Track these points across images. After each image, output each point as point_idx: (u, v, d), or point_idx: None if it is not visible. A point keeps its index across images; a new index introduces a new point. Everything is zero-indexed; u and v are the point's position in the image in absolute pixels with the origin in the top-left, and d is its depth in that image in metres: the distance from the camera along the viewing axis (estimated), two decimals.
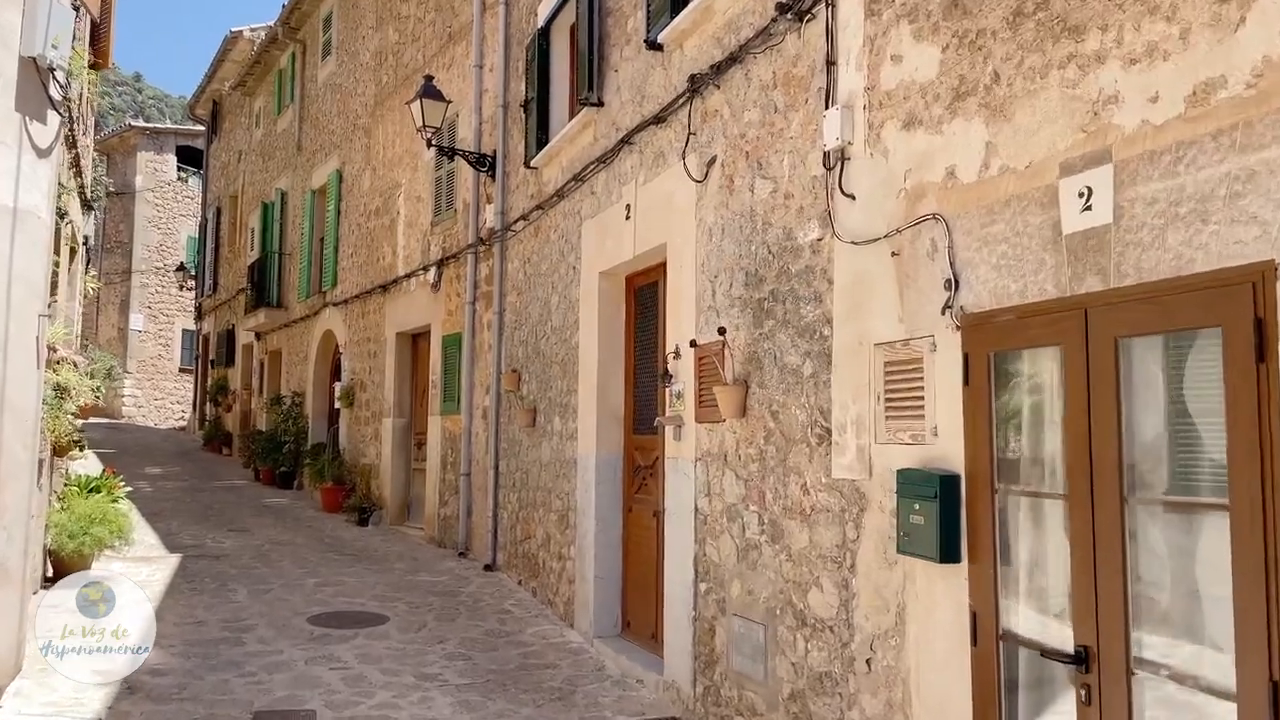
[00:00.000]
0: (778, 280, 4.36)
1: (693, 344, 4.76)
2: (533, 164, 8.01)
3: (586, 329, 6.84)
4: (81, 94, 7.68)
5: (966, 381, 3.15)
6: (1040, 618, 2.97)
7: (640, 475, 6.40)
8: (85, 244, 9.96)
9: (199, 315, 24.23)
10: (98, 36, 7.69)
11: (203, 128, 25.00)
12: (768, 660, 4.30)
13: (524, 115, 8.36)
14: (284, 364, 16.66)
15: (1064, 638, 2.81)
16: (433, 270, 10.56)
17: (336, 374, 14.19)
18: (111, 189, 26.13)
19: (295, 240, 16.32)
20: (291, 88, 16.98)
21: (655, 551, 6.05)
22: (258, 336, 18.09)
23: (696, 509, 5.07)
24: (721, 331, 4.59)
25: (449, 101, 9.21)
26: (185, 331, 26.86)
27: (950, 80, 3.32)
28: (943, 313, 3.27)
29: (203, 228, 24.13)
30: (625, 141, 6.15)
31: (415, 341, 11.64)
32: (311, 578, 8.29)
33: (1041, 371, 2.98)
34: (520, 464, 8.20)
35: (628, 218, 6.12)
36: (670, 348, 5.44)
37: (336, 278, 14.07)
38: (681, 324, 5.32)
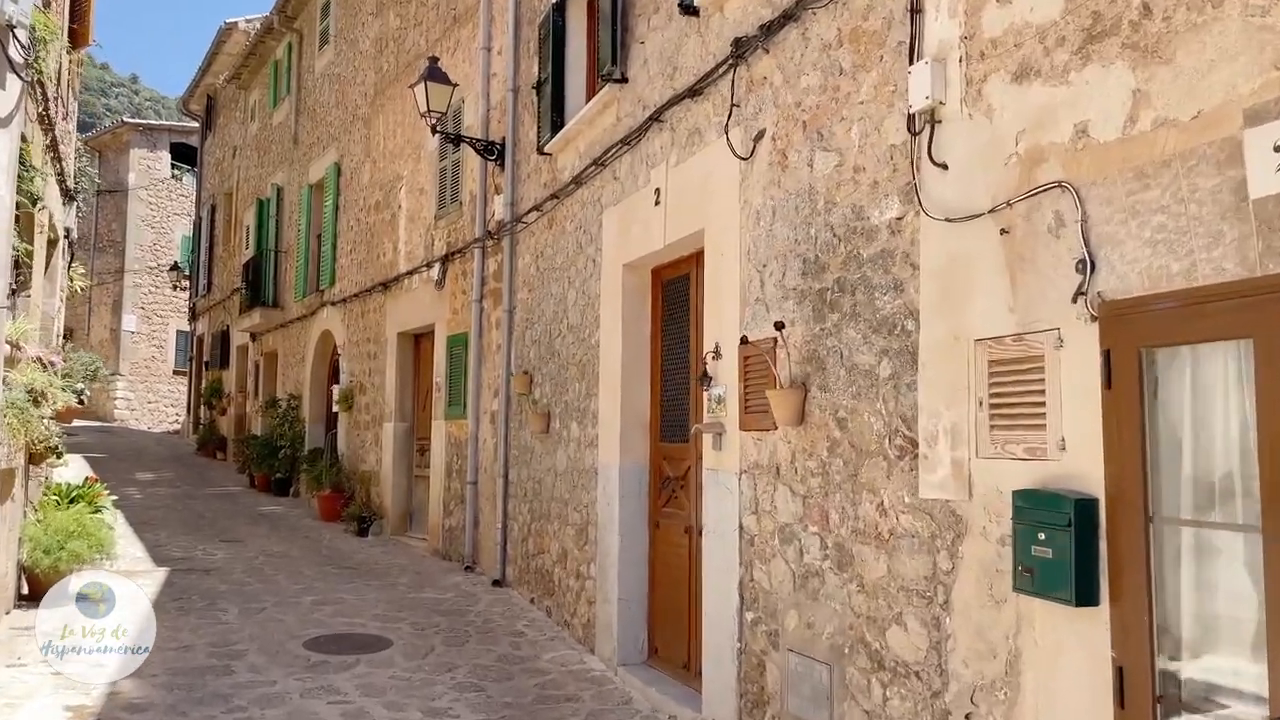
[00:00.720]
0: (845, 267, 3.79)
1: (744, 340, 4.18)
2: (546, 150, 7.44)
3: (608, 327, 6.26)
4: (60, 73, 7.10)
5: (1108, 384, 2.58)
6: (1216, 679, 2.39)
7: (669, 487, 5.82)
8: (67, 237, 9.36)
9: (193, 316, 23.63)
10: (77, 9, 7.12)
11: (197, 124, 24.40)
12: (834, 705, 3.72)
13: (536, 98, 7.79)
14: (280, 366, 16.07)
15: (1254, 706, 2.24)
16: (436, 267, 9.99)
17: (335, 376, 13.60)
18: (102, 186, 25.58)
19: (292, 237, 15.74)
20: (288, 79, 16.40)
21: (688, 572, 5.48)
22: (253, 337, 17.49)
23: (741, 528, 4.49)
24: (779, 326, 4.00)
25: (455, 85, 8.63)
26: (179, 333, 26.26)
27: (1080, 19, 2.75)
28: (1074, 300, 2.69)
29: (197, 226, 23.54)
30: (654, 119, 5.58)
31: (418, 342, 11.06)
32: (308, 594, 7.70)
33: (1216, 370, 2.40)
34: (532, 473, 7.62)
35: (657, 203, 5.55)
36: (709, 346, 4.86)
37: (334, 276, 13.48)
38: (723, 320, 4.74)
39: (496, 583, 8.15)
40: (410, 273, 10.77)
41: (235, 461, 17.03)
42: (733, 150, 4.61)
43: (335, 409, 13.13)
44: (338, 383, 13.18)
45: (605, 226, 6.38)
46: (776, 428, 4.19)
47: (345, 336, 12.97)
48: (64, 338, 11.96)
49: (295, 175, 15.76)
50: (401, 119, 11.36)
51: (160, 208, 26.69)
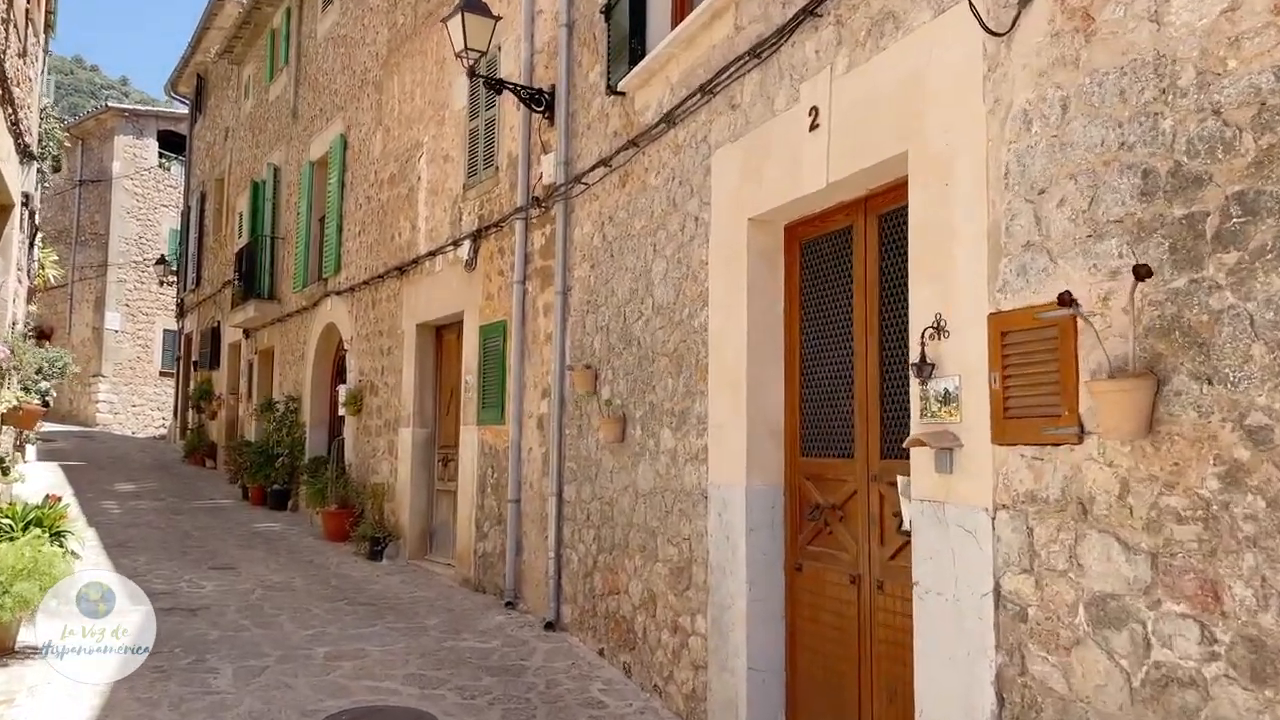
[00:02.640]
0: (1253, 174, 2.27)
1: (1065, 298, 2.64)
2: (619, 88, 5.92)
3: (723, 304, 4.74)
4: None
5: None
6: None
7: (818, 518, 4.29)
8: (27, 204, 7.78)
9: (181, 312, 21.96)
10: None
11: (186, 110, 22.76)
12: None
13: (605, 27, 6.26)
14: (276, 364, 14.47)
15: None
16: (466, 245, 8.45)
17: (340, 375, 12.02)
18: (84, 176, 24.00)
19: (290, 222, 14.16)
20: (285, 48, 14.83)
21: (856, 637, 3.98)
22: (246, 334, 15.89)
23: (999, 593, 2.97)
24: (1142, 274, 2.46)
25: (498, 18, 7.11)
26: (166, 332, 24.60)
27: None
28: None
29: (185, 216, 21.90)
30: (808, 12, 4.06)
31: (440, 334, 9.51)
32: (320, 644, 6.14)
33: None
34: (600, 491, 6.09)
35: (814, 126, 4.02)
36: (923, 319, 3.34)
37: (340, 262, 11.92)
38: (953, 279, 3.22)
39: (549, 625, 6.61)
40: (432, 254, 9.22)
41: (226, 470, 15.42)
42: (981, 23, 3.08)
43: (341, 412, 11.56)
44: (344, 382, 11.62)
45: (717, 172, 4.86)
46: (1080, 440, 2.68)
47: (353, 330, 11.40)
48: (46, 337, 10.35)
49: (294, 153, 14.20)
50: (421, 77, 9.83)
51: (146, 199, 25.03)
